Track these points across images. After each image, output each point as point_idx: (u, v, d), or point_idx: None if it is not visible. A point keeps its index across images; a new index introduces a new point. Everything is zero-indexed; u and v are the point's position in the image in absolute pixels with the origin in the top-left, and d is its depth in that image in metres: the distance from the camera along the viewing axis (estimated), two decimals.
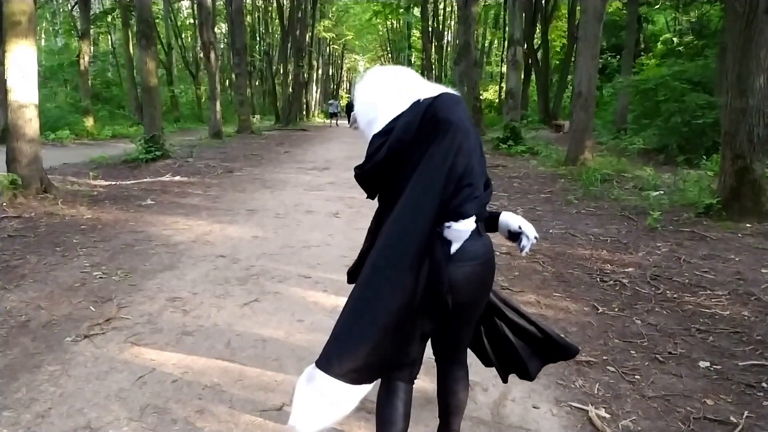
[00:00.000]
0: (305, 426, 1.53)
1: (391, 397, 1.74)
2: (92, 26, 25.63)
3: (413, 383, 1.81)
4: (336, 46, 52.92)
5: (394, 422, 1.72)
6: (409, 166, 1.61)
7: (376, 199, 1.82)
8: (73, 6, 26.57)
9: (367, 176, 1.72)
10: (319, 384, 1.54)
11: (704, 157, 9.17)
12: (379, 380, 1.78)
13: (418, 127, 1.61)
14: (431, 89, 1.70)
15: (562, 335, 2.05)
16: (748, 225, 5.68)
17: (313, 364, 1.57)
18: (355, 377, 1.55)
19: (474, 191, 1.64)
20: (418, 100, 1.66)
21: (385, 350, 1.58)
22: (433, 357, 1.96)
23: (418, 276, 1.57)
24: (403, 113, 1.65)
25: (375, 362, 1.57)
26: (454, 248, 1.65)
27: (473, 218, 1.65)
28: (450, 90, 1.74)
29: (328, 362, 1.54)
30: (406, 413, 1.74)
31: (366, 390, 1.61)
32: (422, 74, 1.88)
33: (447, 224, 1.62)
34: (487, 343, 2.08)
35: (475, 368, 2.20)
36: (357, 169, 1.73)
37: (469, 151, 1.62)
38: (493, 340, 2.07)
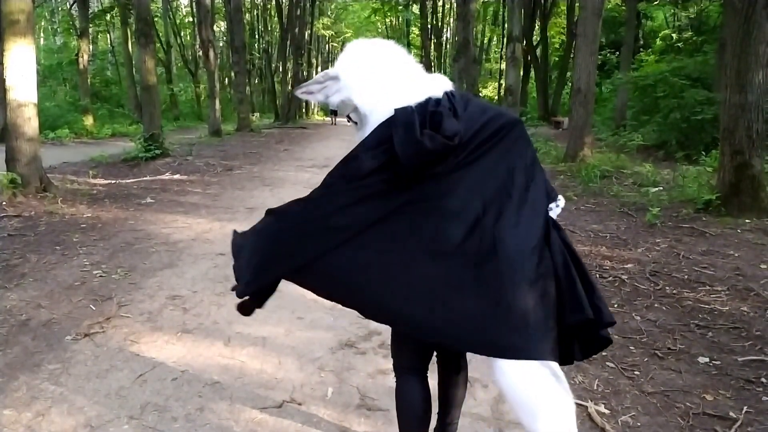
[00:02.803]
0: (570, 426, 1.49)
1: (418, 387, 1.76)
2: (91, 25, 25.60)
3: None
4: (335, 44, 52.80)
5: (425, 410, 1.75)
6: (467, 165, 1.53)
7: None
8: (72, 4, 26.52)
9: (448, 150, 1.45)
10: (562, 376, 1.50)
11: (703, 153, 9.16)
12: (395, 374, 1.81)
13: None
14: (444, 81, 1.65)
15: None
16: (747, 221, 5.68)
17: (541, 362, 1.46)
18: (556, 354, 1.51)
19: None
20: (452, 93, 1.58)
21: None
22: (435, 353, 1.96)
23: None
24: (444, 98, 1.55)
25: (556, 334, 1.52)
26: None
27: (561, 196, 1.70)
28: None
29: (540, 350, 1.45)
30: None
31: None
32: None
33: (551, 206, 1.64)
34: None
35: (475, 365, 2.20)
36: (447, 138, 1.43)
37: None
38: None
